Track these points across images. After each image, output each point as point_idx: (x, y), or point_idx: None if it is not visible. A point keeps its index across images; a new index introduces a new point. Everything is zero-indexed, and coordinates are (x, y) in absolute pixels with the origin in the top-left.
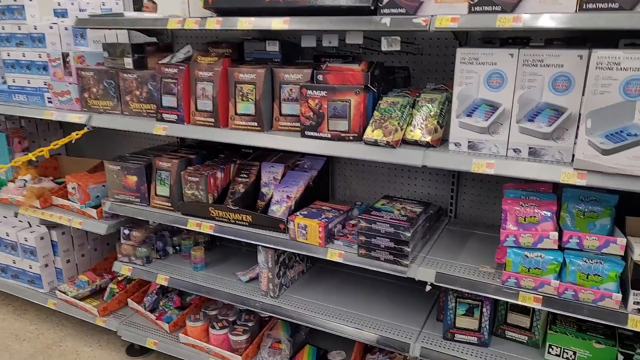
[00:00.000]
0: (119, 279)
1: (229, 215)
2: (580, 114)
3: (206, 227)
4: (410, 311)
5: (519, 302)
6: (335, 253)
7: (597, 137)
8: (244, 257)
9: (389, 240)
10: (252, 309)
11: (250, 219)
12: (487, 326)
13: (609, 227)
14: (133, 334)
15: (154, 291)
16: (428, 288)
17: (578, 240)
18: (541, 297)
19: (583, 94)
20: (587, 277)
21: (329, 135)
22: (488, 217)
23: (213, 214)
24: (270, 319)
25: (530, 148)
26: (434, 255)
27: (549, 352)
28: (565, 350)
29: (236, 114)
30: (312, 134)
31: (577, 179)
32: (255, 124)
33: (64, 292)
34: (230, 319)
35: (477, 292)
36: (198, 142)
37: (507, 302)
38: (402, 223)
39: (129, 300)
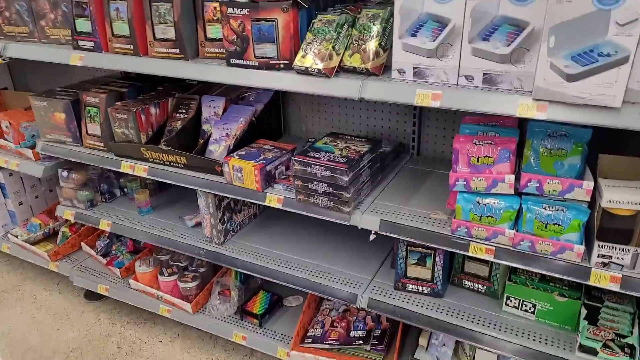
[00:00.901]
0: (72, 221)
1: (162, 156)
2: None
3: (140, 169)
4: (366, 258)
5: (470, 254)
6: (274, 198)
7: (561, 58)
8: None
9: (326, 185)
10: (195, 256)
11: (185, 161)
12: (441, 276)
13: (579, 167)
14: (85, 279)
15: (107, 235)
16: (372, 237)
17: (537, 184)
18: (494, 248)
19: None
20: (546, 227)
21: (256, 63)
22: None
23: (146, 154)
24: None
25: (484, 74)
26: (383, 199)
27: (506, 304)
28: (524, 303)
29: (155, 39)
30: (238, 61)
31: (535, 112)
32: (177, 50)
33: (16, 236)
34: (182, 265)
35: (425, 243)
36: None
37: None
38: (340, 166)
39: (82, 244)
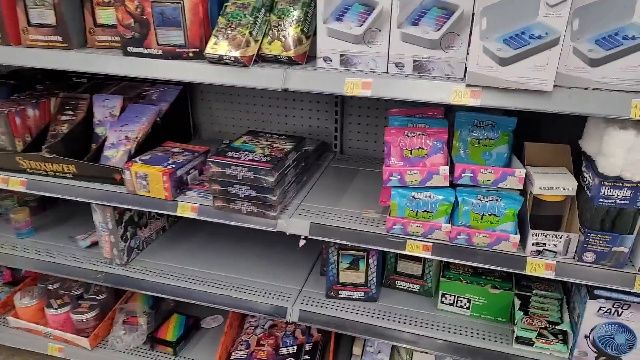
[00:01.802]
0: None
1: (45, 165)
2: (474, 13)
3: (15, 182)
4: (292, 267)
5: (407, 252)
6: (187, 207)
7: (493, 41)
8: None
9: (249, 187)
10: (92, 282)
11: (75, 170)
12: (375, 279)
13: (507, 156)
14: None
15: None
16: (302, 243)
17: (472, 175)
18: (431, 244)
19: None
20: (482, 218)
21: (160, 52)
22: (378, 149)
23: (23, 165)
24: None
25: (415, 61)
26: (311, 201)
27: (442, 302)
28: (459, 299)
29: (30, 24)
30: (137, 50)
31: (469, 99)
32: (60, 38)
33: None
34: (75, 294)
35: (360, 244)
36: (16, 69)
37: None
38: (264, 165)
39: None
